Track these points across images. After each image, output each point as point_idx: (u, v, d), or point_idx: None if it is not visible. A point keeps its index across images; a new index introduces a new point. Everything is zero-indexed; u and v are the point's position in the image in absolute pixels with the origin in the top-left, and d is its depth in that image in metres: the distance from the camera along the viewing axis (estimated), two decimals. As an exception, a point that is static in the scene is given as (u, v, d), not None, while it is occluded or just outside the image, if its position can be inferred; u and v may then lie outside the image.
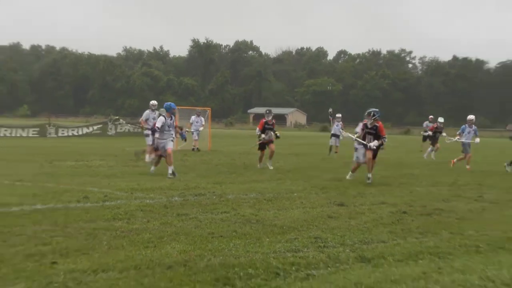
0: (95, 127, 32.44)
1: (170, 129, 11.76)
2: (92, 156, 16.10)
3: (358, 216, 7.24)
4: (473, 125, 16.00)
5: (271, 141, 14.09)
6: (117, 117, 11.92)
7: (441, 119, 20.09)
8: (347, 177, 11.89)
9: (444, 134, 19.36)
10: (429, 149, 19.85)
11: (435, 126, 19.76)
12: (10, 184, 9.46)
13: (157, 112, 15.30)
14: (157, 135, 11.77)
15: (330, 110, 20.09)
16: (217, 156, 17.95)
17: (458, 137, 16.02)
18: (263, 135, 14.02)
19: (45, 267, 4.45)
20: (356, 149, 12.32)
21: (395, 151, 23.45)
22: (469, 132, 15.90)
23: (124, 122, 12.73)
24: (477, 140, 15.87)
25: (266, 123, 14.15)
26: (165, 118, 11.66)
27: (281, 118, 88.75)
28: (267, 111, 14.65)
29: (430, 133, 19.88)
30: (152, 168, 11.92)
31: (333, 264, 4.84)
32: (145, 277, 4.23)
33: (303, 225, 6.50)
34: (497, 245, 5.81)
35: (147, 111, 15.52)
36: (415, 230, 6.48)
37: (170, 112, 11.86)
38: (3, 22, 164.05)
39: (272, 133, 14.09)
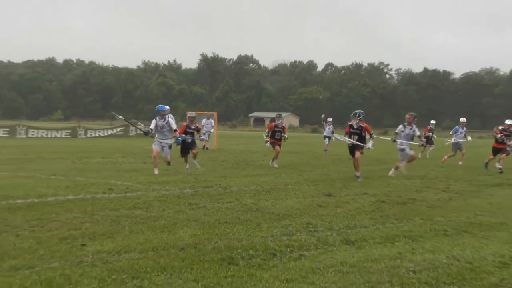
0: (118, 129, 32.50)
1: (164, 129, 10.98)
2: (116, 154, 16.08)
3: (343, 205, 7.24)
4: (464, 127, 15.82)
5: (278, 144, 13.21)
6: (120, 116, 11.02)
7: (433, 122, 19.54)
8: (390, 173, 11.43)
9: (434, 136, 18.85)
10: (431, 148, 19.01)
11: (429, 128, 19.05)
12: (46, 178, 9.47)
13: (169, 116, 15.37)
14: (156, 136, 11.03)
15: (323, 116, 20.02)
16: (222, 154, 17.92)
17: (454, 138, 15.80)
18: (267, 143, 13.20)
19: (76, 248, 4.45)
20: (402, 150, 11.47)
21: (374, 149, 23.40)
22: (461, 133, 15.73)
23: (122, 118, 11.63)
24: (469, 138, 15.85)
25: (275, 126, 13.23)
26: (156, 120, 10.95)
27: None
28: (278, 115, 13.69)
29: (424, 136, 19.41)
30: (186, 166, 11.60)
31: (322, 246, 4.84)
32: (161, 257, 4.23)
33: (296, 213, 6.49)
34: (462, 229, 5.81)
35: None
36: (392, 216, 6.47)
37: (159, 114, 11.03)
38: (40, 40, 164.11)
39: (279, 136, 13.20)
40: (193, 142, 12.00)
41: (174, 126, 11.10)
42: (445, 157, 15.43)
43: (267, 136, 13.36)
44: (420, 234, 5.47)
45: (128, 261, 4.10)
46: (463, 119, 16.11)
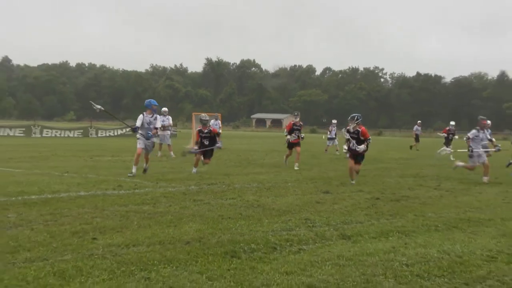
0: (127, 129, 32.42)
1: (150, 126, 9.80)
2: (125, 153, 16.08)
3: (340, 202, 7.23)
4: (489, 129, 14.36)
5: (298, 144, 12.43)
6: (98, 106, 9.20)
7: (452, 123, 18.72)
8: (456, 165, 11.33)
9: (456, 136, 18.15)
10: (447, 149, 17.39)
11: (448, 129, 18.31)
12: (59, 175, 9.47)
13: (167, 116, 15.79)
14: (140, 131, 9.74)
15: (323, 135, 20.13)
16: (226, 153, 17.90)
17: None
18: (288, 136, 12.62)
19: (87, 242, 4.45)
20: (471, 156, 10.96)
21: (371, 149, 23.37)
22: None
23: (101, 108, 9.17)
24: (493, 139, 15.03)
25: (294, 124, 12.54)
26: (144, 116, 9.81)
27: (278, 122, 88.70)
28: (296, 113, 12.95)
29: (444, 135, 18.40)
30: (194, 170, 10.43)
31: (320, 240, 4.84)
32: (168, 251, 4.23)
33: (296, 209, 6.49)
34: (452, 225, 5.80)
35: (160, 116, 15.40)
36: (386, 213, 6.46)
37: (151, 108, 9.92)
38: (54, 44, 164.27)
39: (297, 134, 12.45)
40: (211, 151, 10.83)
41: (158, 125, 10.12)
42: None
43: (287, 135, 12.74)
44: (413, 230, 5.46)
45: (136, 254, 4.10)
46: (486, 122, 15.29)
